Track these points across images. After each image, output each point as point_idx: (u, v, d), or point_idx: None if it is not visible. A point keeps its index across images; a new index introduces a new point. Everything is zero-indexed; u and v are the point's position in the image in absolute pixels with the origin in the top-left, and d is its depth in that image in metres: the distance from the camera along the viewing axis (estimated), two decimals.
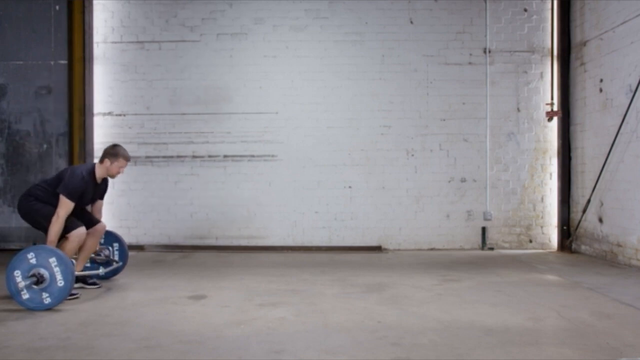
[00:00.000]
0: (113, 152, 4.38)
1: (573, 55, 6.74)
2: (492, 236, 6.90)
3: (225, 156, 6.95)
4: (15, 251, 6.72)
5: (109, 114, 6.97)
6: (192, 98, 6.96)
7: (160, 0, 6.96)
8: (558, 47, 6.82)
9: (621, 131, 5.65)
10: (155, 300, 4.13)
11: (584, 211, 6.32)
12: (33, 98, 6.89)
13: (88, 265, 4.72)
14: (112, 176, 4.48)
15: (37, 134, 6.90)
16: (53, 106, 6.87)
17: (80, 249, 4.41)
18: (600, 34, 6.10)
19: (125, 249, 4.95)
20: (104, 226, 4.67)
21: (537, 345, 3.04)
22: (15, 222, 6.89)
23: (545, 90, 6.91)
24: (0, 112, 6.91)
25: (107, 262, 4.78)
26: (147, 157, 6.95)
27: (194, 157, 6.96)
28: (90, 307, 4.03)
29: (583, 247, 6.47)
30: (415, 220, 6.90)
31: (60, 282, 3.82)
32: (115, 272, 4.90)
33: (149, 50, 6.97)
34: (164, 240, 6.93)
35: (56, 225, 4.09)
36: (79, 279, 4.44)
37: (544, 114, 6.89)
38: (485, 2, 6.90)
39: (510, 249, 6.86)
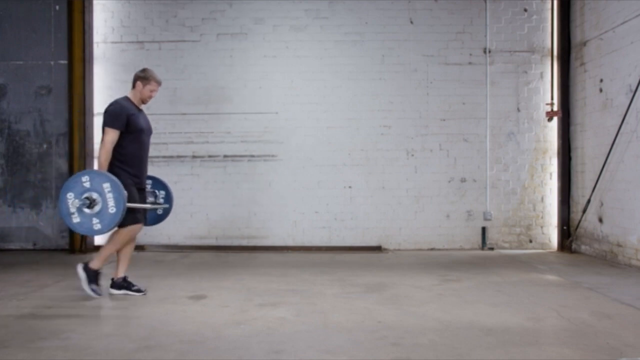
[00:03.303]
0: (144, 75, 4.29)
1: (573, 55, 6.74)
2: (492, 236, 6.90)
3: (225, 156, 6.94)
4: (15, 251, 6.75)
5: None
6: (192, 98, 6.96)
7: (160, 0, 6.96)
8: (558, 47, 6.82)
9: (621, 131, 5.65)
10: (155, 300, 4.13)
11: (584, 211, 6.32)
12: (33, 98, 6.89)
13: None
14: (145, 101, 4.36)
15: (37, 134, 6.90)
16: (53, 106, 6.88)
17: (119, 251, 4.30)
18: (600, 34, 6.10)
19: (171, 195, 4.76)
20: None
21: (537, 345, 3.04)
22: (15, 222, 6.89)
23: (545, 90, 6.91)
24: (0, 112, 6.91)
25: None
26: None
27: (194, 157, 6.96)
28: (90, 308, 4.03)
29: (583, 247, 6.47)
30: (415, 220, 6.90)
31: (111, 209, 3.74)
32: (164, 216, 4.73)
33: (149, 50, 6.97)
34: (164, 240, 6.93)
35: (103, 152, 4.01)
36: (122, 286, 4.28)
37: (544, 114, 6.89)
38: (485, 2, 6.90)
39: (510, 249, 6.86)
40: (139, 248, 6.81)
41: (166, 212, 4.71)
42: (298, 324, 3.49)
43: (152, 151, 6.91)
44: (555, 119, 6.85)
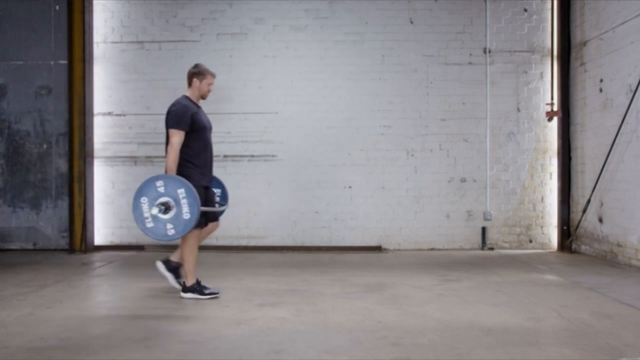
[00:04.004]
0: (197, 70, 4.26)
1: (573, 55, 6.74)
2: (492, 236, 6.90)
3: (225, 156, 6.94)
4: (15, 251, 6.75)
5: (109, 114, 6.97)
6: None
7: (160, 0, 6.96)
8: (558, 47, 6.82)
9: (621, 131, 5.65)
10: (155, 300, 4.12)
11: (584, 211, 6.32)
12: (33, 98, 6.89)
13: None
14: (204, 96, 4.33)
15: (37, 134, 6.90)
16: (53, 106, 6.88)
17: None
18: (600, 34, 6.10)
19: (227, 194, 4.69)
20: (217, 225, 4.49)
21: (537, 345, 3.04)
22: (15, 222, 6.89)
23: (545, 90, 6.91)
24: (0, 112, 6.91)
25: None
26: (147, 157, 6.95)
27: None
28: (90, 308, 4.03)
29: (583, 247, 6.47)
30: (415, 220, 6.90)
31: (186, 215, 3.70)
32: (220, 214, 4.64)
33: (149, 50, 6.97)
34: None
35: (171, 154, 3.95)
36: (195, 289, 4.20)
37: (544, 114, 6.89)
38: (485, 2, 6.90)
39: (510, 249, 6.86)
40: (139, 248, 6.82)
41: (222, 212, 4.65)
42: (298, 324, 3.49)
43: (152, 151, 6.96)
44: (555, 119, 6.85)
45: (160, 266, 4.35)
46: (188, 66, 6.87)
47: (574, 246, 6.60)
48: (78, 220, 6.63)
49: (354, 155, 6.92)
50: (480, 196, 6.91)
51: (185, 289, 4.20)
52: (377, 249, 6.83)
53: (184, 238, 4.07)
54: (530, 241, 6.89)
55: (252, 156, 6.94)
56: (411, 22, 6.93)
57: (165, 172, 3.97)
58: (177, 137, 4.00)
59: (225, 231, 6.92)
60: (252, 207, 6.95)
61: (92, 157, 6.87)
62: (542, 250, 6.79)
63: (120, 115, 6.96)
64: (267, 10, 6.95)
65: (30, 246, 6.88)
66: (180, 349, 3.00)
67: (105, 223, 6.94)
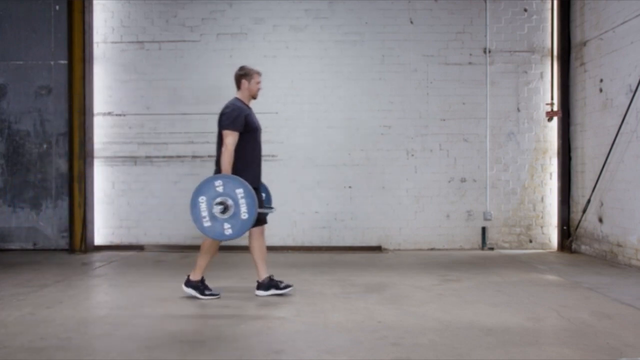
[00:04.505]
0: (243, 72, 4.30)
1: (573, 55, 6.74)
2: (492, 236, 6.90)
3: None
4: (15, 251, 6.75)
5: (109, 114, 6.97)
6: (192, 98, 6.96)
7: (160, 0, 6.96)
8: (558, 47, 6.82)
9: (621, 131, 5.65)
10: (155, 300, 4.13)
11: (584, 211, 6.32)
12: (33, 98, 6.89)
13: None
14: (255, 95, 4.36)
15: (37, 134, 6.90)
16: (53, 106, 6.88)
17: (252, 254, 4.29)
18: (600, 34, 6.10)
19: (270, 196, 4.70)
20: (264, 228, 4.48)
21: (537, 345, 3.04)
22: (15, 222, 6.89)
23: (545, 90, 6.91)
24: (0, 112, 6.91)
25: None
26: (147, 157, 6.95)
27: (194, 157, 6.96)
28: (90, 308, 4.03)
29: (583, 247, 6.47)
30: (415, 220, 6.90)
31: (244, 215, 3.73)
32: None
33: (149, 50, 6.97)
34: (164, 240, 6.93)
35: (226, 155, 3.97)
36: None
37: (544, 114, 6.89)
38: (485, 2, 6.90)
39: (510, 249, 6.86)
40: (139, 248, 6.82)
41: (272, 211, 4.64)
42: (298, 324, 3.49)
43: (152, 151, 6.96)
44: (555, 119, 6.85)
45: (262, 293, 4.26)
46: (188, 66, 6.99)
47: (574, 246, 6.60)
48: (78, 220, 6.63)
49: (354, 155, 6.92)
50: (480, 196, 6.91)
51: (188, 283, 4.20)
52: (377, 249, 6.83)
53: (250, 240, 4.12)
54: (530, 241, 6.89)
55: None
56: (411, 22, 6.93)
57: (220, 172, 4.00)
58: (232, 137, 4.03)
59: None
60: None
61: (92, 157, 6.87)
62: (542, 250, 6.79)
63: (120, 115, 6.96)
64: (267, 10, 6.94)
65: (30, 246, 6.88)
66: (180, 349, 3.00)
67: (105, 223, 6.94)
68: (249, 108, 4.29)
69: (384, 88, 6.92)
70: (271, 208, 4.53)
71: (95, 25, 6.93)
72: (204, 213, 3.74)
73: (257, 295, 4.24)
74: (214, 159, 6.88)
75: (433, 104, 6.91)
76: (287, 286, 4.27)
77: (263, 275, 4.25)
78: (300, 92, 6.92)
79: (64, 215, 6.81)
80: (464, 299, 4.15)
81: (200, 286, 4.20)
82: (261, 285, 4.26)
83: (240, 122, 4.07)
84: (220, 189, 3.74)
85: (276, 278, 4.34)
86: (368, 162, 6.91)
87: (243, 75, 4.29)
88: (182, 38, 6.96)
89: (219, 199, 3.72)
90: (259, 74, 4.35)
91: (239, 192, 3.73)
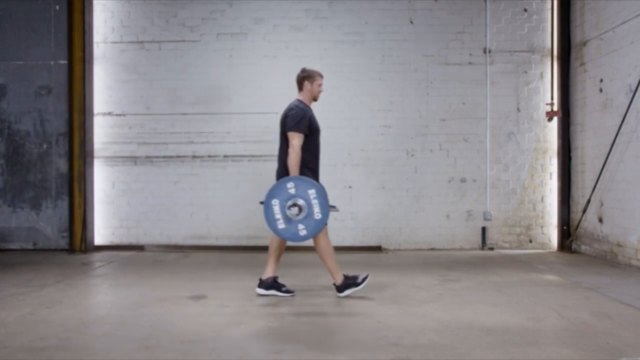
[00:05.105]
0: (306, 74, 4.32)
1: (573, 55, 6.74)
2: (492, 236, 6.90)
3: (225, 156, 6.94)
4: (15, 251, 6.75)
5: (109, 114, 6.97)
6: (192, 98, 6.96)
7: (160, 0, 6.96)
8: (558, 47, 6.82)
9: (621, 131, 5.65)
10: (155, 300, 4.13)
11: (584, 211, 6.32)
12: (33, 98, 6.89)
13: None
14: (316, 97, 4.38)
15: (37, 134, 6.90)
16: (53, 106, 6.88)
17: (271, 251, 4.33)
18: (600, 34, 6.10)
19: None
20: None
21: (537, 345, 3.04)
22: (15, 222, 6.89)
23: (545, 90, 6.91)
24: (0, 112, 6.91)
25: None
26: (147, 157, 6.95)
27: (194, 157, 6.96)
28: (90, 308, 4.03)
29: (583, 247, 6.47)
30: (415, 220, 6.90)
31: (317, 215, 3.77)
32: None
33: (149, 50, 6.97)
34: (164, 240, 6.93)
35: (294, 156, 4.00)
36: (272, 286, 4.22)
37: (544, 114, 6.89)
38: (485, 2, 6.90)
39: (510, 249, 6.86)
40: (139, 248, 6.82)
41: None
42: (298, 324, 3.49)
43: (152, 151, 6.97)
44: (555, 119, 6.85)
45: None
46: (188, 66, 6.99)
47: (574, 246, 6.60)
48: (78, 220, 6.63)
49: (354, 155, 6.92)
50: (480, 196, 6.91)
51: (340, 288, 4.22)
52: (377, 249, 6.83)
53: (315, 241, 4.14)
54: (530, 241, 6.89)
55: (252, 156, 6.94)
56: (411, 22, 6.93)
57: (286, 173, 4.05)
58: (298, 139, 4.07)
59: (225, 231, 6.93)
60: (252, 207, 6.94)
61: (92, 157, 6.87)
62: (542, 250, 6.79)
63: (120, 115, 6.96)
64: (267, 10, 6.95)
65: (30, 246, 6.88)
66: (180, 349, 3.00)
67: (105, 223, 6.94)
68: (310, 110, 4.32)
69: (384, 88, 6.92)
70: (334, 207, 4.56)
71: (95, 25, 6.93)
72: (278, 215, 3.79)
73: (258, 294, 4.26)
74: (213, 159, 7.00)
75: (433, 104, 6.91)
76: (288, 291, 4.25)
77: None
78: None
79: (64, 215, 6.81)
80: (464, 299, 4.15)
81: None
82: (263, 283, 4.26)
83: (305, 123, 4.11)
84: (292, 191, 3.79)
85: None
86: (368, 162, 6.91)
87: (306, 77, 4.32)
88: (182, 38, 6.96)
89: (291, 201, 3.76)
90: (321, 76, 4.38)
91: (311, 192, 3.78)
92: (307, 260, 6.14)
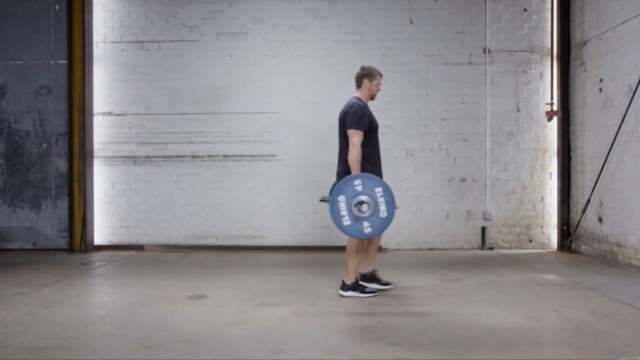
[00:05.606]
0: (367, 72, 4.34)
1: (573, 55, 6.74)
2: (492, 236, 6.90)
3: (225, 156, 6.94)
4: (15, 251, 6.75)
5: (109, 114, 6.97)
6: (192, 98, 6.96)
7: (160, 0, 6.96)
8: (558, 47, 6.82)
9: (621, 131, 5.65)
10: (155, 300, 4.13)
11: (584, 211, 6.32)
12: (33, 98, 6.89)
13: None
14: (374, 96, 4.41)
15: (37, 134, 6.90)
16: (53, 106, 6.88)
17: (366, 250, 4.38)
18: (600, 34, 6.10)
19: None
20: None
21: (537, 345, 3.04)
22: (15, 222, 6.89)
23: (545, 90, 6.91)
24: (0, 112, 6.91)
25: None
26: (147, 157, 6.95)
27: (194, 157, 6.96)
28: (90, 308, 4.03)
29: (583, 247, 6.47)
30: (415, 220, 6.90)
31: (383, 214, 3.77)
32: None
33: (149, 50, 6.97)
34: (164, 240, 6.93)
35: (355, 154, 4.03)
36: (357, 288, 4.23)
37: (544, 114, 6.89)
38: (485, 2, 6.90)
39: (510, 249, 6.86)
40: (139, 248, 6.82)
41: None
42: (298, 324, 3.49)
43: (152, 151, 6.96)
44: (555, 119, 6.85)
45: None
46: (188, 66, 6.99)
47: (574, 246, 6.60)
48: (78, 220, 6.63)
49: None
50: (480, 196, 6.91)
51: (346, 288, 4.24)
52: (377, 248, 6.81)
53: (349, 239, 4.16)
54: (530, 241, 6.89)
55: (252, 156, 6.94)
56: (411, 22, 6.93)
57: (347, 171, 4.08)
58: (358, 137, 4.11)
59: (225, 231, 6.93)
60: (252, 207, 6.95)
61: (92, 157, 6.87)
62: (542, 250, 6.79)
63: (120, 115, 6.96)
64: (267, 10, 6.94)
65: (30, 246, 6.88)
66: (180, 349, 3.00)
67: (105, 223, 6.94)
68: (368, 107, 4.34)
69: (384, 88, 6.84)
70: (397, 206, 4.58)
71: (95, 25, 6.93)
72: (344, 212, 3.79)
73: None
74: (213, 159, 7.00)
75: (433, 104, 6.91)
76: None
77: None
78: (300, 92, 6.92)
79: (64, 215, 6.81)
80: (464, 299, 4.15)
81: (359, 287, 4.24)
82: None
83: (365, 121, 4.15)
84: (359, 188, 3.78)
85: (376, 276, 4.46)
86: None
87: (366, 75, 4.35)
88: (182, 38, 6.96)
89: (358, 199, 3.76)
90: (381, 75, 4.41)
91: (378, 191, 3.78)
92: (308, 261, 6.14)
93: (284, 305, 3.98)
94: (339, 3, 6.93)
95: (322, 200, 4.14)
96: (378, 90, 4.41)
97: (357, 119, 4.11)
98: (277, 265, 5.75)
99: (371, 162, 4.22)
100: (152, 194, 6.95)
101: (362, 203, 3.75)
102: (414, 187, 6.90)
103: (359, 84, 4.38)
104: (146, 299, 4.19)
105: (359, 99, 4.32)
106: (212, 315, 3.71)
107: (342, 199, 3.78)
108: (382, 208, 3.77)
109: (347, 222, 3.80)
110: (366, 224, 3.78)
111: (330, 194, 4.22)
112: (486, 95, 6.89)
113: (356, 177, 3.84)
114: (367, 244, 4.42)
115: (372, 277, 4.48)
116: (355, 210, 3.76)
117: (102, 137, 6.94)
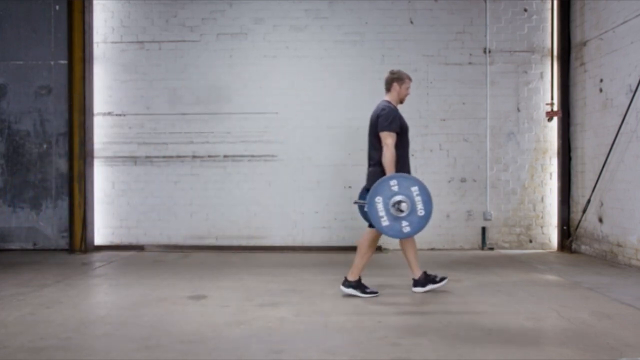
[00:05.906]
0: (397, 75, 4.41)
1: (573, 55, 6.74)
2: (492, 236, 6.90)
3: (225, 156, 6.94)
4: (15, 251, 6.75)
5: (109, 114, 6.97)
6: (192, 98, 6.96)
7: (160, 0, 6.96)
8: (558, 47, 6.82)
9: (621, 131, 5.65)
10: (155, 300, 4.13)
11: (584, 211, 6.32)
12: (33, 98, 6.89)
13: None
14: (403, 100, 4.48)
15: (37, 134, 6.90)
16: (53, 106, 6.88)
17: (406, 253, 4.39)
18: (600, 34, 6.10)
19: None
20: None
21: (537, 345, 3.04)
22: (15, 222, 6.89)
23: (545, 90, 6.91)
24: (0, 112, 6.91)
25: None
26: (147, 157, 6.95)
27: (194, 157, 6.96)
28: (90, 308, 4.04)
29: (583, 247, 6.47)
30: None
31: (420, 212, 3.82)
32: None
33: (149, 50, 6.97)
34: (164, 240, 6.93)
35: (389, 155, 4.07)
36: (358, 286, 4.25)
37: (544, 114, 6.89)
38: (485, 2, 6.90)
39: (510, 249, 6.86)
40: (139, 248, 6.82)
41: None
42: (298, 324, 3.49)
43: (152, 151, 6.96)
44: (555, 119, 6.85)
45: (419, 289, 4.36)
46: (188, 66, 7.00)
47: (574, 246, 6.60)
48: (78, 220, 6.63)
49: (354, 155, 6.90)
50: (480, 196, 6.91)
51: (347, 284, 4.26)
52: (377, 248, 6.81)
53: (363, 236, 4.21)
54: (530, 241, 6.89)
55: (252, 156, 6.94)
56: (411, 22, 6.93)
57: (381, 173, 4.10)
58: (391, 138, 4.16)
59: (225, 231, 6.93)
60: (252, 207, 6.95)
61: (92, 157, 6.87)
62: (542, 250, 6.79)
63: (120, 115, 6.96)
64: (267, 10, 6.94)
65: (30, 246, 6.88)
66: (180, 349, 3.00)
67: (105, 223, 6.94)
68: (397, 110, 4.38)
69: (384, 88, 6.89)
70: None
71: (95, 25, 6.93)
72: (382, 213, 3.81)
73: (414, 292, 4.35)
74: (213, 159, 7.00)
75: (433, 104, 6.91)
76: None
77: (418, 273, 4.34)
78: (300, 92, 6.92)
79: (64, 215, 6.81)
80: (464, 299, 4.15)
81: (361, 285, 4.26)
82: (418, 282, 4.35)
83: (396, 123, 4.21)
84: (395, 188, 3.82)
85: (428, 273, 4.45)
86: None
87: (396, 78, 4.42)
88: (182, 38, 6.96)
89: (395, 198, 3.78)
90: (410, 79, 4.49)
91: (414, 189, 3.83)
92: (308, 261, 6.14)
93: (284, 305, 3.98)
94: (339, 3, 6.93)
95: (356, 203, 4.19)
96: (407, 94, 4.48)
97: (389, 121, 4.18)
98: (277, 265, 5.75)
99: (402, 165, 4.28)
100: (152, 194, 6.95)
101: (400, 202, 3.78)
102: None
103: (389, 87, 4.44)
104: (146, 299, 4.19)
105: (388, 102, 4.39)
106: (212, 315, 3.71)
107: (379, 199, 3.81)
108: (419, 206, 3.82)
109: (385, 222, 3.82)
110: (404, 223, 3.82)
111: (360, 196, 4.25)
112: (486, 95, 6.89)
113: (392, 178, 3.87)
114: (403, 248, 4.37)
115: (426, 279, 4.38)
116: (393, 210, 3.79)
117: (102, 137, 6.94)
